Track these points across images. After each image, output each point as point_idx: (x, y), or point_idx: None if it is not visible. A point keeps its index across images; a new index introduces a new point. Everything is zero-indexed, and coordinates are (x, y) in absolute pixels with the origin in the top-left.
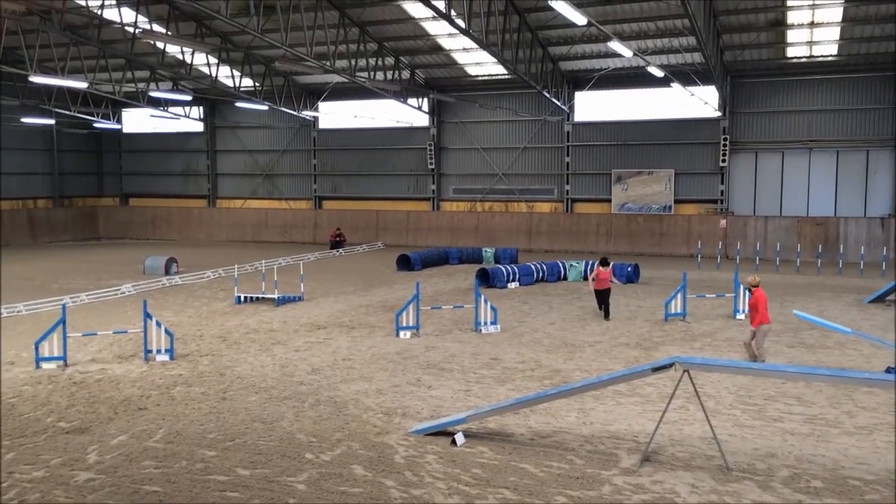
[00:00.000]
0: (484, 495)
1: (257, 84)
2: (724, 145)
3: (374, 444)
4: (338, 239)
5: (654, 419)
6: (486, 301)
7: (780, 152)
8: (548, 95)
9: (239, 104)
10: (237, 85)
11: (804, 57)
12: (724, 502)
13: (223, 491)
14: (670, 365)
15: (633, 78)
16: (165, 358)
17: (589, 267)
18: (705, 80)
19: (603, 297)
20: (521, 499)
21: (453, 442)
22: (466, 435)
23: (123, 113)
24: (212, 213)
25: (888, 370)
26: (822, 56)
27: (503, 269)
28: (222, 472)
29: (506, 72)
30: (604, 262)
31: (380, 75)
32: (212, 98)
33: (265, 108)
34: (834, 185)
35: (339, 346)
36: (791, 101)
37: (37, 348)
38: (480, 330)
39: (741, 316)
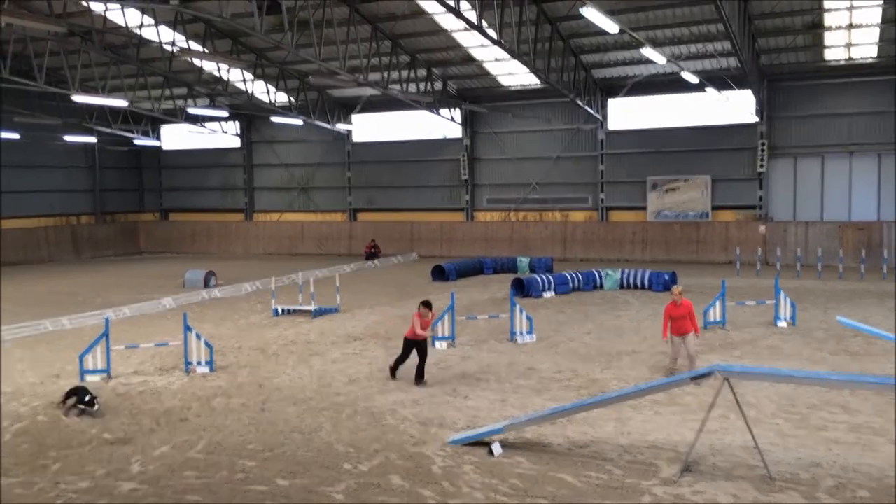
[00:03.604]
0: None
1: (292, 99)
2: (762, 150)
3: (412, 454)
4: (373, 251)
5: (694, 429)
6: (521, 311)
7: (820, 156)
8: (581, 104)
9: (274, 119)
10: (272, 100)
11: (842, 60)
12: None
13: (263, 501)
14: (709, 373)
15: (668, 84)
16: (205, 370)
17: (627, 276)
18: (741, 84)
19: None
20: None
21: (490, 452)
22: (503, 445)
23: (162, 129)
24: (249, 227)
25: None
26: (860, 58)
27: (538, 278)
28: (262, 483)
29: (538, 81)
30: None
31: (412, 87)
32: (248, 113)
33: (300, 122)
34: (876, 189)
35: (375, 357)
36: (830, 104)
37: (81, 361)
38: (516, 340)
39: (783, 324)
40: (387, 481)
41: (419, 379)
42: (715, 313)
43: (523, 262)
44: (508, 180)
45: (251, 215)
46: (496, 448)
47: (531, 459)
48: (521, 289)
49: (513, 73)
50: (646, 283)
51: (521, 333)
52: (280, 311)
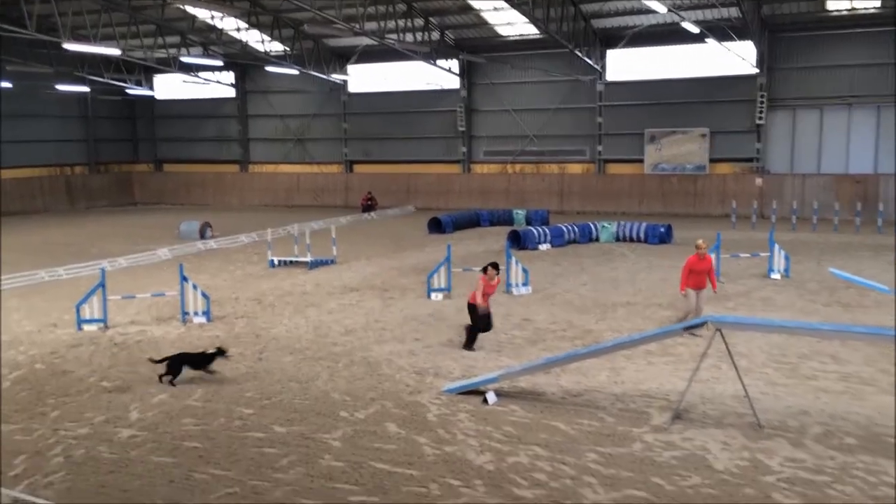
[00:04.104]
0: (515, 452)
1: (287, 48)
2: (762, 102)
3: (407, 402)
4: (369, 203)
5: (686, 378)
6: (517, 263)
7: (819, 109)
8: (579, 55)
9: (269, 69)
10: (267, 49)
11: (845, 10)
12: (756, 458)
13: (260, 447)
14: (702, 324)
15: (668, 35)
16: (202, 320)
17: (623, 229)
18: (742, 35)
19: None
20: (552, 455)
21: (485, 401)
22: (498, 394)
23: (156, 79)
24: (244, 178)
25: None
26: (863, 8)
27: (535, 230)
28: (259, 430)
29: (537, 31)
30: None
31: (409, 37)
32: (243, 63)
33: (295, 72)
34: (874, 142)
35: (371, 308)
36: (830, 56)
37: (78, 310)
38: (512, 291)
39: (776, 276)
40: (383, 429)
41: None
42: None
43: (520, 214)
44: (506, 132)
45: (246, 166)
46: (491, 397)
47: (525, 408)
48: (518, 241)
49: (511, 23)
50: (642, 235)
51: (517, 285)
52: (276, 262)
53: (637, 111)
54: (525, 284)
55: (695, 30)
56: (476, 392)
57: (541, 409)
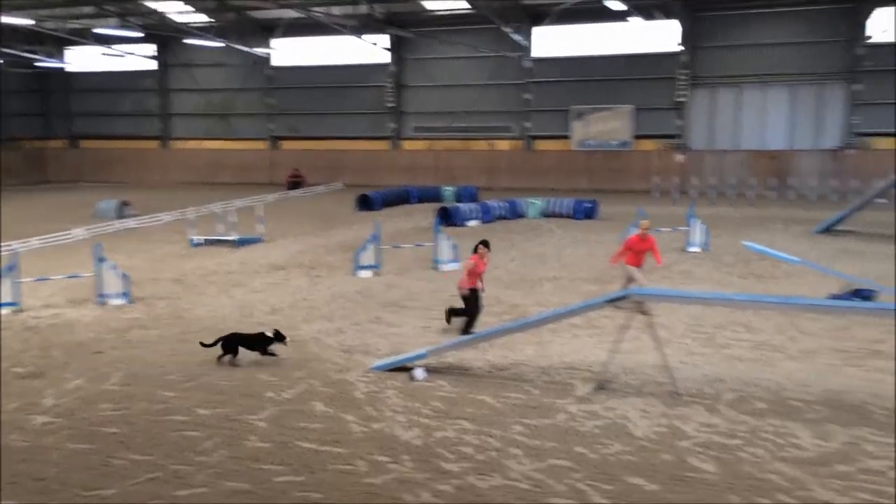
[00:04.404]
0: (443, 427)
1: (209, 19)
2: (684, 80)
3: (335, 381)
4: (296, 180)
5: (609, 350)
6: (446, 239)
7: (738, 87)
8: (507, 31)
9: (190, 41)
10: (188, 21)
11: None
12: (673, 425)
13: (183, 431)
14: (624, 297)
15: (594, 12)
16: (121, 301)
17: (550, 205)
18: (667, 13)
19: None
20: (479, 428)
21: (412, 377)
22: (426, 370)
23: (72, 52)
24: (165, 155)
25: (832, 297)
26: None
27: (463, 207)
28: (182, 413)
29: (466, 6)
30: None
31: (336, 10)
32: (163, 35)
33: (218, 44)
34: (788, 119)
35: (298, 287)
36: (751, 35)
37: None
38: (441, 267)
39: (695, 249)
40: (310, 408)
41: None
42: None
43: (449, 191)
44: (435, 108)
45: (168, 142)
46: (418, 373)
47: (453, 383)
48: (447, 218)
49: None
50: (569, 211)
51: (446, 262)
52: (199, 241)
53: (564, 88)
54: (454, 260)
55: (620, 7)
56: (405, 369)
57: (468, 383)
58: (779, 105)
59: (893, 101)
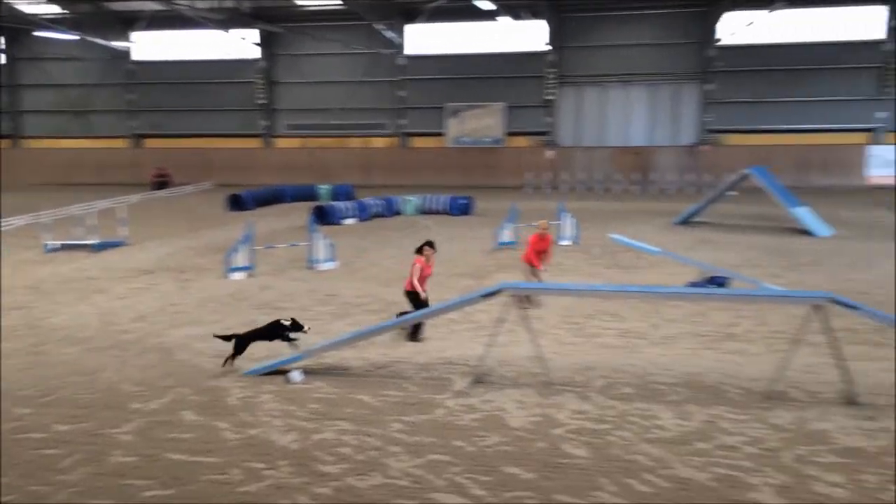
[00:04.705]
0: (321, 429)
1: (63, 11)
2: (552, 79)
3: (207, 388)
4: (161, 179)
5: (485, 343)
6: (322, 238)
7: (602, 85)
8: (380, 28)
9: (40, 33)
10: (38, 12)
11: None
12: (547, 413)
13: (40, 449)
14: (498, 291)
15: (465, 10)
16: None
17: (426, 201)
18: (536, 13)
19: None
20: (358, 428)
21: (288, 380)
22: (304, 372)
23: None
24: (16, 155)
25: (691, 284)
26: None
27: (339, 205)
28: (39, 430)
29: (338, 2)
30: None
31: (201, 3)
32: (10, 27)
33: (73, 38)
34: (648, 117)
35: (166, 291)
36: (611, 36)
37: None
38: (317, 267)
39: (566, 242)
40: (179, 418)
41: (415, 335)
42: (507, 235)
43: (324, 189)
44: (308, 105)
45: (18, 141)
46: (295, 375)
47: (331, 384)
48: (322, 216)
49: None
50: (445, 207)
51: (322, 261)
52: (55, 246)
53: (438, 85)
54: (330, 259)
55: (490, 6)
56: (281, 372)
57: (347, 383)
58: (640, 104)
59: (742, 99)
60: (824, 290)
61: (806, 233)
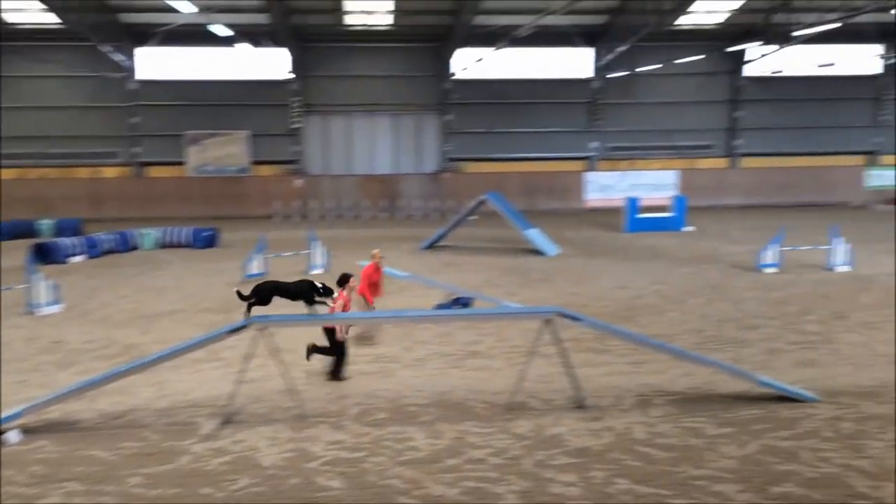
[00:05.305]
0: (45, 493)
1: None
2: (297, 107)
3: None
4: None
5: (235, 381)
6: (43, 279)
7: (348, 115)
8: (106, 50)
9: None
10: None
11: (360, 25)
12: (301, 448)
13: None
14: (246, 325)
15: (200, 35)
16: None
17: (167, 234)
18: (278, 42)
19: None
20: (89, 488)
21: (4, 442)
22: (25, 431)
23: None
24: None
25: (438, 306)
26: (378, 25)
27: (64, 242)
28: None
29: (56, 20)
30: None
31: None
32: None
33: None
34: (393, 146)
35: None
36: (355, 66)
37: None
38: (38, 311)
39: (318, 270)
40: None
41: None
42: (256, 266)
43: (46, 224)
44: (27, 133)
45: None
46: (11, 436)
47: (56, 441)
48: (44, 254)
49: (23, 9)
50: (187, 240)
51: (44, 304)
52: None
53: (176, 112)
54: (55, 302)
55: (227, 33)
56: None
57: (75, 439)
58: (384, 133)
59: (477, 130)
60: (553, 305)
61: (537, 252)
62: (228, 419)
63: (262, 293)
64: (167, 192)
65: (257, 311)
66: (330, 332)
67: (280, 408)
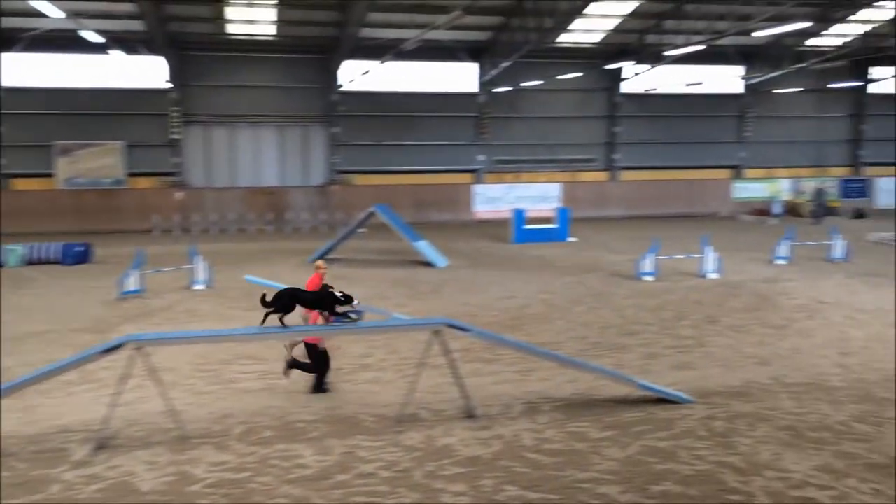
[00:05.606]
0: None
1: None
2: (176, 118)
3: None
4: None
5: (110, 403)
6: None
7: (231, 126)
8: None
9: None
10: None
11: (244, 34)
12: (183, 471)
13: None
14: (120, 345)
15: (70, 41)
16: None
17: (34, 250)
18: (154, 50)
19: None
20: None
21: None
22: None
23: None
24: None
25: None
26: (261, 35)
27: None
28: None
29: None
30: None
31: None
32: None
33: None
34: (279, 157)
35: None
36: (237, 76)
37: None
38: None
39: (200, 286)
40: None
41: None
42: (132, 283)
43: None
44: None
45: None
46: None
47: None
48: None
49: None
50: (57, 256)
51: None
52: None
53: (44, 122)
54: None
55: (98, 39)
56: None
57: None
58: (270, 144)
59: (365, 142)
60: (442, 317)
61: (426, 264)
62: (103, 444)
63: (283, 300)
64: (34, 206)
65: (256, 317)
66: (311, 346)
67: (160, 430)
